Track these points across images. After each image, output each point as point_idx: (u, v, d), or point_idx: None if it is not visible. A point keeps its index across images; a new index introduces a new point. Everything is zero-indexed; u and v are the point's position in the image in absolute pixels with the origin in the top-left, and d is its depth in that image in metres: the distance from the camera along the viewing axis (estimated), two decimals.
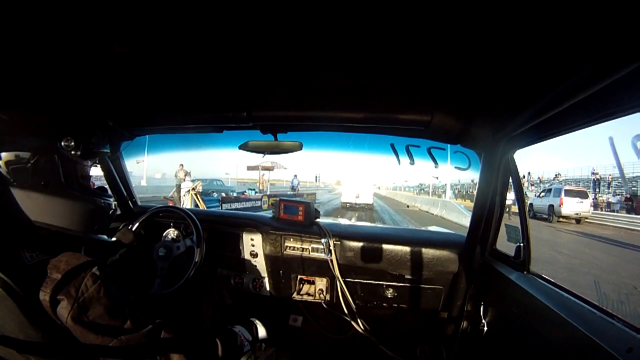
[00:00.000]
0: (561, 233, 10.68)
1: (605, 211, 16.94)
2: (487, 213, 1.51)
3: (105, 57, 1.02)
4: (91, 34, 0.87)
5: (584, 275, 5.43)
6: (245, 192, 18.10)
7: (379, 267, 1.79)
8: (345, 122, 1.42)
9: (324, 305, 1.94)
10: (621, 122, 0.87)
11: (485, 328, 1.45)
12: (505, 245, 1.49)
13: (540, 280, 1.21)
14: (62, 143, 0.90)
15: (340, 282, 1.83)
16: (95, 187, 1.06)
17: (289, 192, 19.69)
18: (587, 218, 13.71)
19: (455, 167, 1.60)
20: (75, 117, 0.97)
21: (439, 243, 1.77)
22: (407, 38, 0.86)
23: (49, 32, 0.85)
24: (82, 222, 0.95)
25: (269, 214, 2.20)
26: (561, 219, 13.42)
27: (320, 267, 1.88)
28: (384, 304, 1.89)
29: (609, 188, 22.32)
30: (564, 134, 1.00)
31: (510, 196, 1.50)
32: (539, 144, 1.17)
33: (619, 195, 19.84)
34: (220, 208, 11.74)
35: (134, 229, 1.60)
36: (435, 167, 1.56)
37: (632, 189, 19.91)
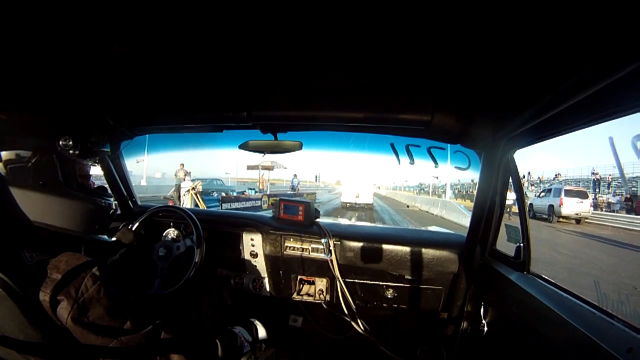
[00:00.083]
0: (561, 233, 10.68)
1: (605, 211, 16.94)
2: (487, 213, 1.51)
3: (105, 57, 1.02)
4: (91, 34, 0.87)
5: (584, 276, 5.43)
6: (245, 191, 18.09)
7: (379, 268, 1.79)
8: (345, 121, 1.42)
9: (324, 306, 1.94)
10: (621, 122, 0.87)
11: (486, 328, 1.45)
12: (505, 245, 1.49)
13: (540, 281, 1.21)
14: (60, 142, 0.90)
15: (340, 283, 1.83)
16: (95, 186, 1.05)
17: (289, 192, 19.69)
18: (587, 218, 13.70)
19: (455, 167, 1.60)
20: (73, 117, 0.97)
21: (439, 243, 1.77)
22: (407, 38, 0.86)
23: (49, 32, 0.85)
24: (82, 222, 0.94)
25: (269, 213, 2.20)
26: (561, 219, 13.41)
27: (320, 268, 1.88)
28: (384, 304, 1.89)
29: (609, 188, 22.32)
30: (564, 134, 1.00)
31: (511, 196, 1.50)
32: (539, 144, 1.17)
33: (619, 195, 19.84)
34: (220, 208, 11.74)
35: (134, 228, 1.60)
36: (435, 167, 1.56)
37: (632, 189, 19.90)
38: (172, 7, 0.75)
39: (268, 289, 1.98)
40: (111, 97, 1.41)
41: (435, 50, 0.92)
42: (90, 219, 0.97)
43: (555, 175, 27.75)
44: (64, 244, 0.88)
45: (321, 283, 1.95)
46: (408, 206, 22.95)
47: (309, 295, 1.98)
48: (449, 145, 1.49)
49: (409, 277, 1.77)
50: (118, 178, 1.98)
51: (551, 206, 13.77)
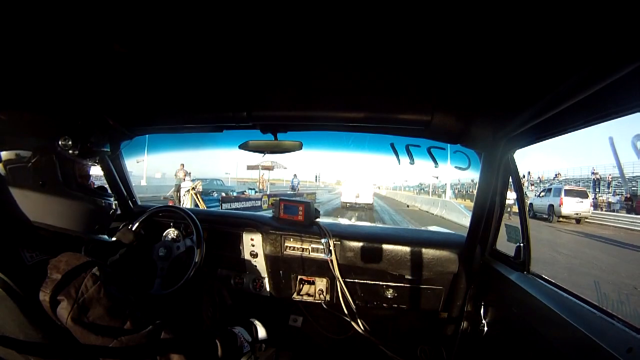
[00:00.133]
0: (561, 233, 10.67)
1: (605, 211, 16.93)
2: (487, 213, 1.51)
3: (105, 57, 1.02)
4: (91, 34, 0.87)
5: (584, 276, 5.43)
6: (245, 191, 18.09)
7: (379, 267, 1.79)
8: (345, 121, 1.42)
9: (324, 306, 1.94)
10: (621, 122, 0.88)
11: (486, 328, 1.45)
12: (505, 245, 1.49)
13: (540, 281, 1.21)
14: (60, 142, 0.90)
15: (340, 283, 1.83)
16: (95, 186, 1.05)
17: (289, 192, 19.69)
18: (587, 218, 13.69)
19: (455, 167, 1.60)
20: (73, 116, 0.97)
21: (439, 243, 1.77)
22: (407, 38, 0.86)
23: (49, 32, 0.85)
24: (82, 222, 0.94)
25: (269, 213, 2.20)
26: (561, 219, 13.40)
27: (320, 267, 1.88)
28: (384, 304, 1.89)
29: (609, 188, 22.31)
30: (564, 134, 1.00)
31: (511, 196, 1.50)
32: (539, 144, 1.17)
33: (619, 195, 19.83)
34: (220, 208, 11.74)
35: (134, 228, 1.60)
36: (435, 166, 1.56)
37: (632, 189, 19.89)
38: (171, 7, 0.75)
39: (268, 289, 1.98)
40: (111, 97, 1.41)
41: (435, 50, 0.92)
42: (90, 219, 0.97)
43: (555, 175, 27.74)
44: (64, 244, 0.88)
45: (321, 283, 1.96)
46: (408, 206, 22.95)
47: (309, 295, 1.98)
48: (449, 145, 1.49)
49: (409, 277, 1.77)
50: (118, 178, 1.98)
51: (551, 206, 13.77)
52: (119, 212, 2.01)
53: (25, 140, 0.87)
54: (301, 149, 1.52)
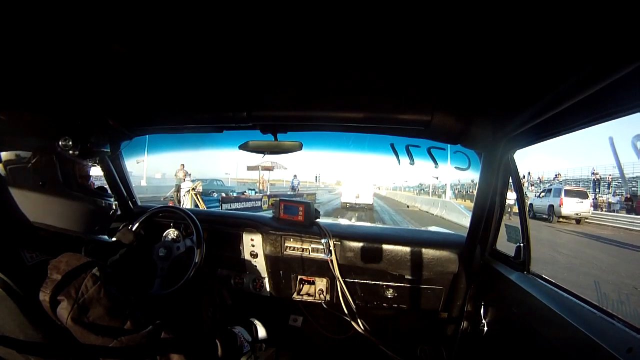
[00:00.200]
0: (561, 233, 10.67)
1: (605, 211, 16.93)
2: (487, 213, 1.51)
3: (105, 57, 1.02)
4: (91, 34, 0.87)
5: (584, 276, 5.43)
6: (245, 192, 18.08)
7: (379, 268, 1.79)
8: (345, 122, 1.42)
9: (324, 306, 1.94)
10: (621, 122, 0.87)
11: (486, 328, 1.45)
12: (505, 245, 1.49)
13: (540, 281, 1.21)
14: (60, 142, 0.90)
15: (340, 283, 1.83)
16: (95, 187, 1.05)
17: (289, 192, 19.68)
18: (587, 218, 13.69)
19: (455, 167, 1.60)
20: (73, 117, 0.97)
21: (439, 243, 1.77)
22: (407, 38, 0.86)
23: (49, 32, 0.85)
24: (82, 223, 0.94)
25: (269, 214, 2.20)
26: (561, 219, 13.40)
27: (320, 268, 1.88)
28: (384, 304, 1.89)
29: (609, 188, 22.31)
30: (564, 134, 1.00)
31: (511, 196, 1.49)
32: (539, 144, 1.17)
33: (619, 195, 19.83)
34: (220, 208, 11.73)
35: (134, 229, 1.60)
36: (435, 167, 1.56)
37: (632, 189, 19.89)
38: (171, 7, 0.75)
39: (268, 289, 1.98)
40: (111, 97, 1.41)
41: (435, 50, 0.92)
42: (91, 219, 0.97)
43: (555, 175, 27.74)
44: (64, 244, 0.88)
45: (321, 283, 1.96)
46: (408, 206, 22.94)
47: (309, 295, 1.98)
48: (449, 145, 1.49)
49: (409, 277, 1.77)
50: (118, 178, 1.98)
51: (551, 206, 13.77)
52: (119, 212, 2.01)
53: (25, 141, 0.87)
54: (301, 149, 1.52)
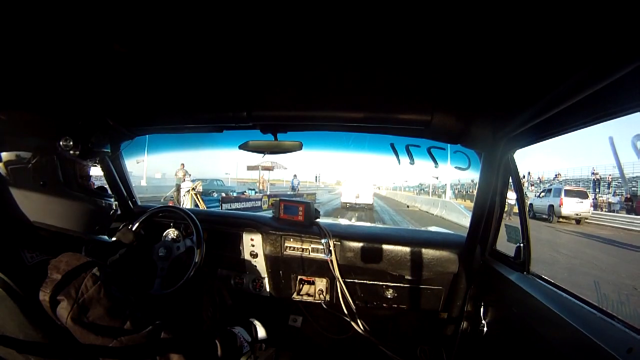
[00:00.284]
0: (561, 233, 10.67)
1: (606, 211, 16.92)
2: (487, 213, 1.51)
3: (105, 57, 1.02)
4: (91, 34, 0.87)
5: (584, 276, 5.42)
6: (245, 192, 18.08)
7: (379, 268, 1.79)
8: (345, 121, 1.42)
9: (324, 306, 1.94)
10: (621, 122, 0.87)
11: (485, 328, 1.45)
12: (505, 245, 1.49)
13: (540, 281, 1.21)
14: (61, 143, 0.90)
15: (340, 283, 1.83)
16: (95, 187, 1.06)
17: (289, 192, 19.68)
18: (587, 218, 13.68)
19: (455, 167, 1.60)
20: (74, 117, 0.97)
21: (438, 243, 1.77)
22: (407, 38, 0.86)
23: (49, 32, 0.85)
24: (82, 223, 0.94)
25: (269, 214, 2.20)
26: (561, 219, 13.39)
27: (320, 268, 1.88)
28: (384, 305, 1.89)
29: (609, 188, 22.31)
30: (564, 133, 1.00)
31: (511, 196, 1.49)
32: (539, 144, 1.17)
33: (619, 195, 19.83)
34: (220, 208, 11.74)
35: (134, 229, 1.60)
36: (435, 167, 1.56)
37: (632, 189, 19.88)
38: (171, 7, 0.75)
39: (268, 289, 1.98)
40: (111, 97, 1.41)
41: (435, 50, 0.92)
42: (91, 219, 0.97)
43: (555, 175, 27.74)
44: (64, 244, 0.88)
45: (321, 283, 1.95)
46: (408, 206, 22.93)
47: (309, 295, 1.98)
48: (449, 145, 1.49)
49: (409, 277, 1.77)
50: (118, 178, 1.98)
51: (551, 206, 13.76)
52: (119, 212, 2.01)
53: (26, 141, 0.87)
54: (301, 149, 1.52)
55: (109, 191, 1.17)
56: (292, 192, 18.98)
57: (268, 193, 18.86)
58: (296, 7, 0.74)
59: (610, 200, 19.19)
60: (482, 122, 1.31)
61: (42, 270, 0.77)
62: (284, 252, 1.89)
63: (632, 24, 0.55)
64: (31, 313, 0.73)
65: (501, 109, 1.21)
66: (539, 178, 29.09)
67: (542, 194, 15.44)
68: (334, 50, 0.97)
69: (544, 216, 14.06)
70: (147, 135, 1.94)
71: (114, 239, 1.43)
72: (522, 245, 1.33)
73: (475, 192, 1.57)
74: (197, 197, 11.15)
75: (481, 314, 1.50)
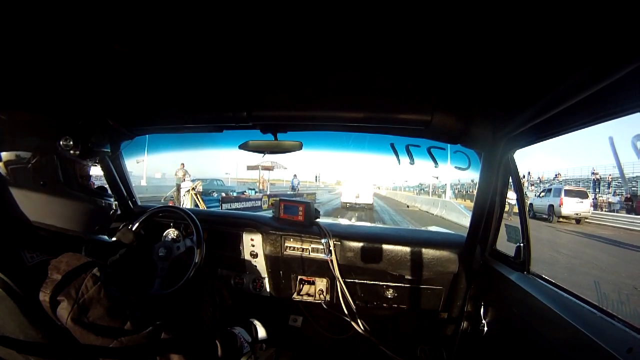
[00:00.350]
0: (561, 233, 10.67)
1: (606, 211, 16.92)
2: (487, 213, 1.51)
3: (105, 57, 1.02)
4: (91, 33, 0.87)
5: (584, 276, 5.43)
6: (245, 192, 18.09)
7: (379, 268, 1.79)
8: (345, 121, 1.42)
9: (324, 306, 1.94)
10: (621, 122, 0.87)
11: (486, 328, 1.45)
12: (505, 245, 1.49)
13: (541, 281, 1.21)
14: (61, 142, 0.90)
15: (340, 283, 1.83)
16: (95, 186, 1.05)
17: (289, 192, 19.68)
18: (587, 218, 13.68)
19: (455, 167, 1.60)
20: (74, 117, 0.97)
21: (439, 243, 1.77)
22: (407, 38, 0.86)
23: (49, 32, 0.85)
24: (82, 223, 0.94)
25: (269, 213, 2.20)
26: (561, 219, 13.39)
27: (320, 268, 1.88)
28: (384, 305, 1.89)
29: (609, 188, 22.31)
30: (564, 134, 1.00)
31: (511, 196, 1.49)
32: (539, 144, 1.17)
33: (619, 195, 19.83)
34: (220, 208, 11.74)
35: (134, 229, 1.60)
36: (435, 167, 1.56)
37: (632, 189, 19.88)
38: (171, 7, 0.75)
39: (268, 289, 1.98)
40: (111, 97, 1.41)
41: (435, 50, 0.92)
42: (91, 219, 0.97)
43: (555, 175, 27.74)
44: (64, 244, 0.88)
45: (321, 283, 1.96)
46: (408, 206, 22.93)
47: (309, 295, 1.98)
48: (449, 145, 1.49)
49: (409, 277, 1.77)
50: (118, 178, 1.98)
51: (551, 206, 13.76)
52: (119, 212, 2.01)
53: (26, 141, 0.87)
54: (301, 149, 1.52)
55: (109, 191, 1.16)
56: (292, 192, 18.98)
57: (268, 193, 18.87)
58: (296, 7, 0.74)
59: (610, 200, 19.19)
60: (482, 122, 1.31)
61: (42, 270, 0.77)
62: (284, 252, 1.89)
63: (632, 24, 0.55)
64: (31, 313, 0.73)
65: (501, 109, 1.21)
66: (539, 178, 29.10)
67: (542, 193, 15.44)
68: (334, 50, 0.97)
69: (544, 216, 14.06)
70: (147, 135, 1.94)
71: (114, 239, 1.43)
72: (522, 245, 1.33)
73: (475, 192, 1.57)
74: (197, 197, 11.15)
75: (481, 314, 1.50)
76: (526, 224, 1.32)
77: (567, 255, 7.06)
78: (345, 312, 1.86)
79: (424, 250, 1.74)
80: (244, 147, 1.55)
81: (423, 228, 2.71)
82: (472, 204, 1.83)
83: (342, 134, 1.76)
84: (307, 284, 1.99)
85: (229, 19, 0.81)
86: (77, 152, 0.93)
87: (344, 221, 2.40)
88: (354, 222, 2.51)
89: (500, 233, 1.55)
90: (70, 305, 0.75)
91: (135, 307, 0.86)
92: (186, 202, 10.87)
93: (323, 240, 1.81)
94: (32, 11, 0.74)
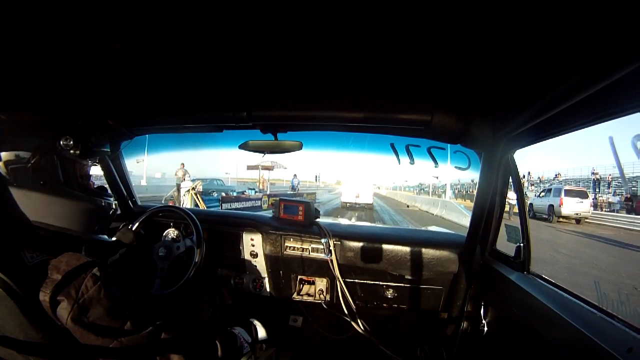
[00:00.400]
0: (561, 233, 10.67)
1: (606, 211, 16.93)
2: (487, 213, 1.51)
3: (105, 57, 1.02)
4: (91, 33, 0.87)
5: (584, 276, 5.43)
6: (245, 191, 18.09)
7: (379, 268, 1.79)
8: (345, 121, 1.42)
9: (324, 306, 1.94)
10: (621, 122, 0.87)
11: (486, 328, 1.45)
12: (505, 245, 1.49)
13: (540, 281, 1.21)
14: (61, 142, 0.90)
15: (340, 283, 1.83)
16: (95, 186, 1.05)
17: (289, 192, 19.69)
18: (587, 218, 13.69)
19: (455, 167, 1.60)
20: (74, 116, 0.97)
21: (438, 243, 1.77)
22: (407, 38, 0.86)
23: (49, 32, 0.85)
24: (82, 222, 0.94)
25: (269, 213, 2.20)
26: (561, 219, 13.40)
27: (320, 268, 1.88)
28: (384, 304, 1.89)
29: (609, 188, 22.31)
30: (564, 134, 1.00)
31: (512, 196, 1.49)
32: (539, 144, 1.17)
33: (619, 195, 19.83)
34: (220, 208, 11.73)
35: (134, 228, 1.60)
36: (435, 167, 1.56)
37: (632, 189, 19.89)
38: (171, 7, 0.75)
39: (268, 289, 1.98)
40: (111, 97, 1.41)
41: (435, 50, 0.92)
42: (91, 219, 0.97)
43: (555, 175, 27.74)
44: (64, 244, 0.88)
45: (321, 283, 1.95)
46: (408, 206, 22.94)
47: (309, 295, 1.98)
48: (449, 145, 1.49)
49: (409, 277, 1.77)
50: (118, 178, 1.98)
51: (551, 206, 13.77)
52: (119, 212, 2.01)
53: (26, 141, 0.87)
54: (301, 149, 1.52)
55: (109, 191, 1.16)
56: (292, 192, 18.99)
57: (268, 193, 18.86)
58: (296, 7, 0.74)
59: (610, 200, 19.20)
60: (482, 122, 1.30)
61: (42, 270, 0.77)
62: (284, 252, 1.89)
63: (632, 24, 0.55)
64: (31, 313, 0.73)
65: (501, 109, 1.21)
66: (539, 178, 29.10)
67: (542, 193, 15.45)
68: (334, 50, 0.97)
69: (544, 216, 14.07)
70: (147, 135, 1.94)
71: (114, 239, 1.43)
72: (522, 245, 1.33)
73: (475, 192, 1.57)
74: (197, 197, 11.15)
75: (481, 314, 1.50)
76: (526, 224, 1.32)
77: (567, 255, 7.06)
78: (345, 312, 1.86)
79: (424, 250, 1.74)
80: (244, 147, 1.55)
81: (423, 228, 2.71)
82: (472, 204, 1.83)
83: (342, 134, 1.76)
84: (307, 284, 1.99)
85: (228, 19, 0.81)
86: (77, 152, 0.93)
87: (344, 221, 2.40)
88: (354, 222, 2.51)
89: (500, 233, 1.55)
90: (70, 305, 0.75)
91: (135, 307, 0.86)
92: (186, 202, 10.87)
93: (323, 240, 1.81)
94: (33, 11, 0.74)
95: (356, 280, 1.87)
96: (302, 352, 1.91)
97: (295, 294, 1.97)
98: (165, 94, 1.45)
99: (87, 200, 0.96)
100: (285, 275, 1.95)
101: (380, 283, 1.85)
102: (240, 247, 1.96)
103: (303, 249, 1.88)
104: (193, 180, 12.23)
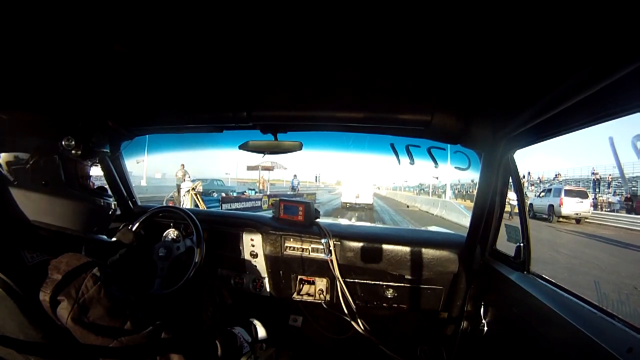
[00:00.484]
0: (561, 233, 10.67)
1: (606, 211, 16.93)
2: (487, 213, 1.51)
3: (105, 57, 1.02)
4: (91, 34, 0.87)
5: (584, 275, 5.43)
6: (245, 192, 18.09)
7: (379, 268, 1.79)
8: (345, 122, 1.42)
9: (324, 306, 1.94)
10: (621, 122, 0.87)
11: (486, 328, 1.45)
12: (505, 245, 1.49)
13: (541, 281, 1.21)
14: (63, 142, 0.90)
15: (340, 283, 1.83)
16: (95, 186, 1.06)
17: (289, 192, 19.69)
18: (587, 218, 13.69)
19: (455, 167, 1.60)
20: (75, 117, 0.97)
21: (438, 243, 1.77)
22: (407, 38, 0.86)
23: (49, 32, 0.85)
24: (82, 222, 0.94)
25: (269, 214, 2.20)
26: (561, 219, 13.40)
27: (320, 268, 1.88)
28: (384, 304, 1.89)
29: (609, 188, 22.32)
30: (564, 134, 1.00)
31: (512, 197, 1.49)
32: (539, 144, 1.17)
33: (619, 195, 19.83)
34: (220, 208, 11.73)
35: (134, 229, 1.60)
36: (435, 167, 1.56)
37: (632, 189, 19.89)
38: (171, 7, 0.75)
39: (268, 289, 1.98)
40: (111, 97, 1.41)
41: (435, 50, 0.92)
42: (91, 219, 0.97)
43: (555, 175, 27.74)
44: (64, 244, 0.88)
45: (321, 283, 1.96)
46: (408, 206, 22.94)
47: (309, 295, 1.98)
48: (449, 145, 1.49)
49: (409, 277, 1.77)
50: (118, 178, 1.98)
51: (551, 206, 13.77)
52: (118, 212, 2.01)
53: (28, 141, 0.87)
54: (301, 149, 1.52)
55: (109, 191, 1.16)
56: (292, 192, 18.98)
57: (268, 193, 18.87)
58: (296, 7, 0.74)
59: (610, 200, 19.19)
60: (482, 122, 1.30)
61: (42, 270, 0.77)
62: (284, 252, 1.90)
63: (632, 24, 0.55)
64: (31, 313, 0.73)
65: (501, 109, 1.21)
66: (539, 178, 29.10)
67: (542, 193, 15.45)
68: (334, 50, 0.97)
69: (544, 216, 14.07)
70: (147, 135, 1.95)
71: (114, 239, 1.43)
72: (522, 245, 1.33)
73: (475, 192, 1.57)
74: (197, 197, 11.15)
75: (481, 314, 1.50)
76: (526, 224, 1.32)
77: (567, 255, 7.06)
78: (345, 312, 1.86)
79: (424, 250, 1.74)
80: (244, 147, 1.55)
81: (423, 228, 2.71)
82: (472, 204, 1.83)
83: (342, 134, 1.76)
84: (307, 284, 1.99)
85: (228, 19, 0.81)
86: (79, 153, 0.93)
87: (344, 221, 2.40)
88: (354, 222, 2.51)
89: (500, 233, 1.55)
90: (70, 305, 0.75)
91: (135, 307, 0.86)
92: (186, 203, 10.87)
93: (323, 240, 1.81)
94: (33, 11, 0.74)
95: (356, 280, 1.87)
96: (302, 352, 1.91)
97: (295, 293, 1.97)
98: (165, 94, 1.45)
99: (87, 200, 0.96)
100: (285, 275, 1.95)
101: (380, 283, 1.85)
102: (240, 247, 1.96)
103: (303, 249, 1.88)
104: (193, 181, 12.23)
